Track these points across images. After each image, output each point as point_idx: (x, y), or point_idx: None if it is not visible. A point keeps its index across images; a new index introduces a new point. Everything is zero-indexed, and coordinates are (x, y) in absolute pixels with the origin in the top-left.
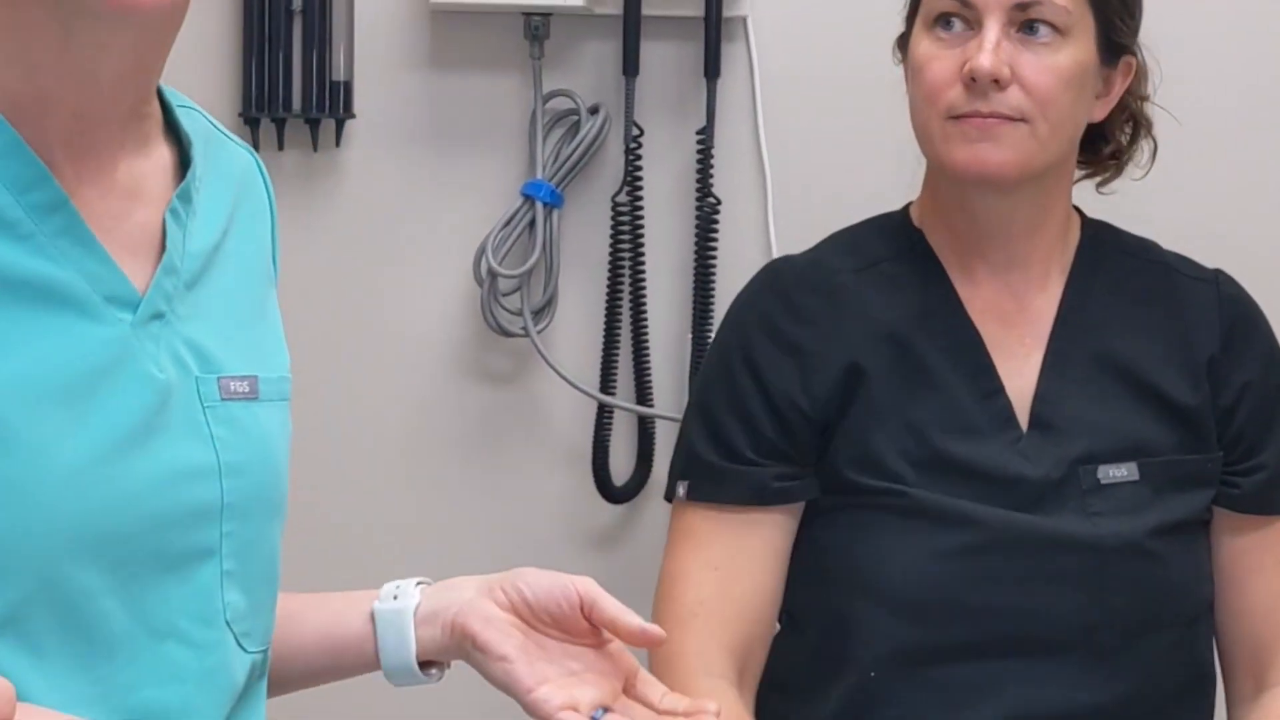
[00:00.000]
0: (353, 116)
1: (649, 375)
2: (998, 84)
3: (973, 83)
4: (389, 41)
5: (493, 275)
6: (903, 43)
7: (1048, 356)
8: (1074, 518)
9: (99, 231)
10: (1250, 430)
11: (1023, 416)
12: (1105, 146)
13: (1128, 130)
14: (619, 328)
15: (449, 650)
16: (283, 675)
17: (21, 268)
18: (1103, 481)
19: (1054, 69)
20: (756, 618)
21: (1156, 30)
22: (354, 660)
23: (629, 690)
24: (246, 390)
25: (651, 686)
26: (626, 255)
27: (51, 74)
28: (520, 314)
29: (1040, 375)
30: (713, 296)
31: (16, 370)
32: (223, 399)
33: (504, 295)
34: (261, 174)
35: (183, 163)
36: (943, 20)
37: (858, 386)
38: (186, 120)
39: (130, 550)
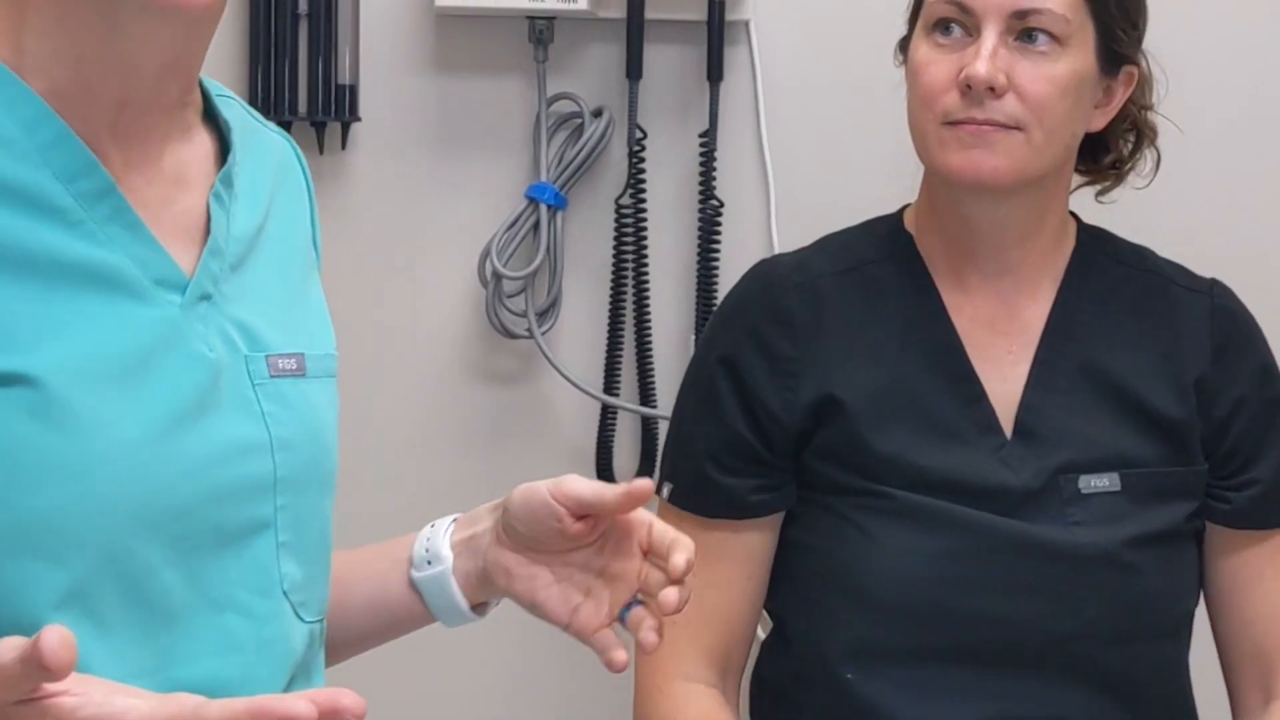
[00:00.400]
0: (358, 120)
1: (652, 376)
2: (994, 91)
3: (969, 90)
4: (394, 45)
5: (497, 277)
6: (905, 45)
7: (1035, 365)
8: (1053, 526)
9: (146, 217)
10: (1244, 445)
11: (1007, 424)
12: (1106, 155)
13: (1130, 139)
14: (622, 329)
15: (491, 595)
16: (336, 642)
17: (72, 253)
18: (1083, 491)
19: (1051, 78)
20: (736, 623)
21: (1156, 36)
22: (408, 624)
23: (649, 550)
24: (294, 367)
25: (658, 534)
26: (630, 257)
27: (98, 66)
28: (525, 315)
29: (1026, 384)
30: (715, 298)
31: (72, 351)
32: (271, 376)
33: (508, 297)
34: (298, 158)
35: (223, 149)
36: (942, 26)
37: (839, 392)
38: (225, 108)
39: (189, 524)
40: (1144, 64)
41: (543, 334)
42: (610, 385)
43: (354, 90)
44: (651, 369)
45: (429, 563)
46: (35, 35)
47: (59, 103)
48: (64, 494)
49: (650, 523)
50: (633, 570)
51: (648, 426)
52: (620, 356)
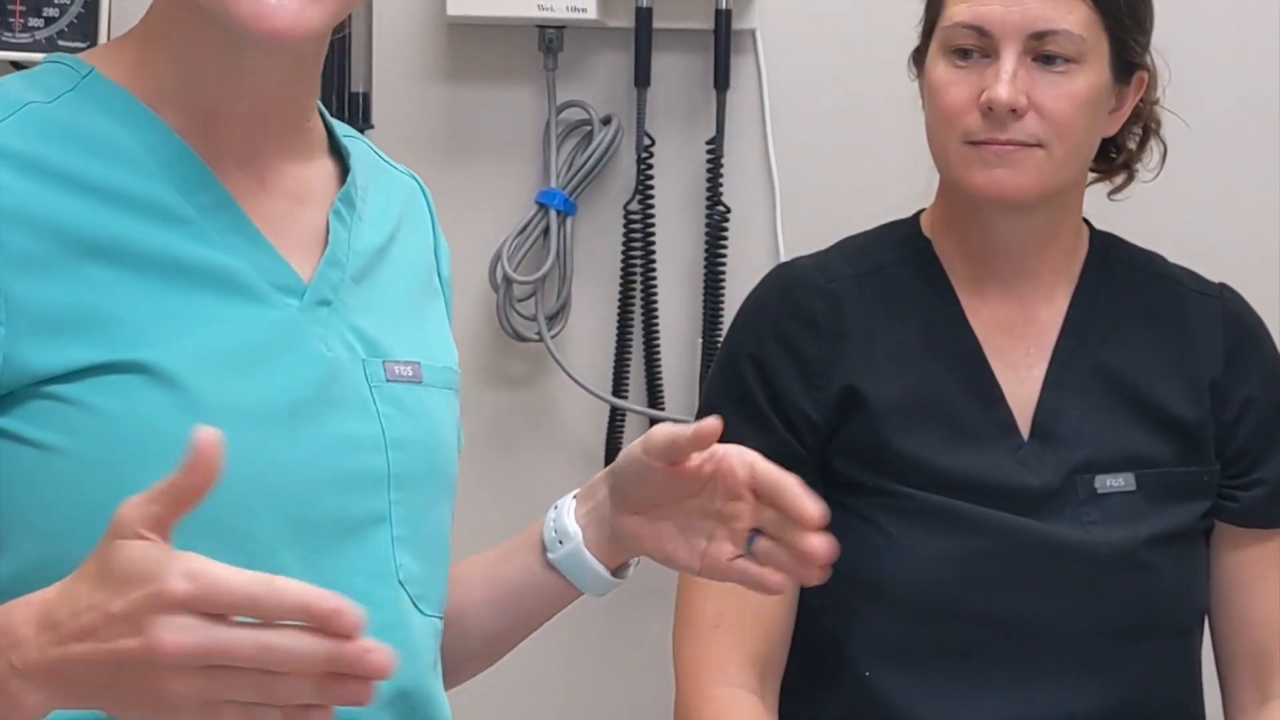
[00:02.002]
0: (371, 127)
1: (660, 379)
2: (1015, 113)
3: (990, 111)
4: (407, 54)
5: (508, 281)
6: (919, 57)
7: (1051, 368)
8: (1070, 526)
9: (266, 230)
10: (1252, 445)
11: (1024, 425)
12: (1117, 155)
13: (1137, 134)
14: (631, 332)
15: (628, 556)
16: (464, 653)
17: (195, 256)
18: (1099, 491)
19: (1071, 96)
20: (775, 625)
21: (1158, 35)
22: (555, 605)
23: (755, 489)
24: (410, 374)
25: (760, 473)
26: (638, 261)
27: (219, 93)
28: (535, 319)
29: (1043, 386)
30: (723, 302)
31: (197, 343)
32: (388, 380)
33: (519, 301)
34: (424, 194)
35: (343, 175)
36: (960, 50)
37: (861, 392)
38: (351, 146)
39: (306, 510)
40: (1152, 63)
41: (552, 338)
42: (619, 388)
43: (367, 98)
44: (660, 371)
45: (560, 542)
46: (164, 68)
47: (183, 124)
48: None
49: (752, 463)
50: (745, 509)
51: None
52: (629, 360)
